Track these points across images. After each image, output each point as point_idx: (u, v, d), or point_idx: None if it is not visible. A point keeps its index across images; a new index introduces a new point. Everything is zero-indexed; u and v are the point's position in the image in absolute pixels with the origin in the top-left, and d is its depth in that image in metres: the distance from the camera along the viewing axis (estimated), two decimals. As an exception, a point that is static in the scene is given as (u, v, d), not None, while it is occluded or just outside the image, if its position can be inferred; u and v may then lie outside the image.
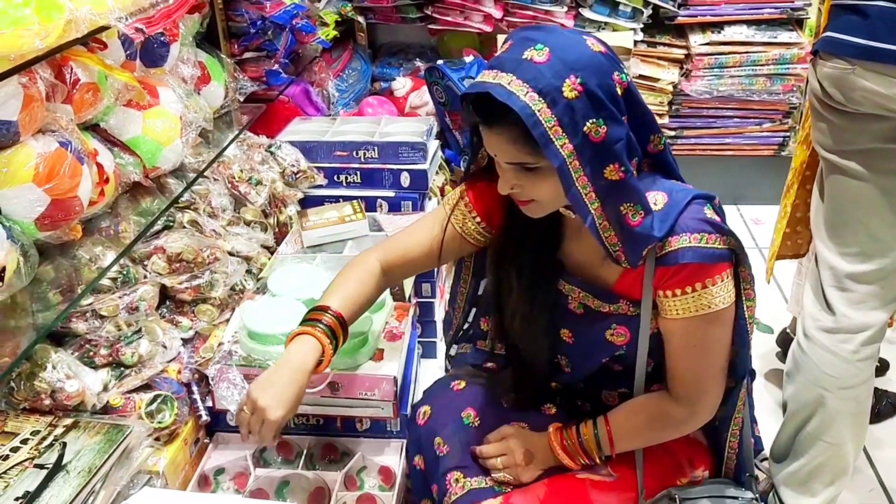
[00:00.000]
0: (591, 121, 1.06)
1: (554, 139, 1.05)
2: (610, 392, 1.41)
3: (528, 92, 1.04)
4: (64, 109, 1.42)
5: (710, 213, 1.19)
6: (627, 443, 1.30)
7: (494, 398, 1.40)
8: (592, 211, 1.11)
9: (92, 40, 1.48)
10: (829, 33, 1.42)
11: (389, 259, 1.38)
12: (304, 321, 1.29)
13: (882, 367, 2.27)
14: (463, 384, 1.43)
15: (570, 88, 1.05)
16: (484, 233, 1.36)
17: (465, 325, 1.58)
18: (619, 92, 1.10)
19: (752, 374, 1.39)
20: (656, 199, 1.18)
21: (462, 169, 1.36)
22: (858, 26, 1.35)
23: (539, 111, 1.04)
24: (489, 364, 1.50)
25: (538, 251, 1.30)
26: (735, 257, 1.20)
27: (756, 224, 3.22)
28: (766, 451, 1.76)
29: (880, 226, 1.47)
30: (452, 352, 1.61)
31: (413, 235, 1.39)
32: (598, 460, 1.31)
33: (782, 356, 2.29)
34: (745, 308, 1.25)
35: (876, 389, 2.11)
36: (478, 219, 1.35)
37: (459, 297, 1.56)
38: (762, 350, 2.39)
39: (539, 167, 1.11)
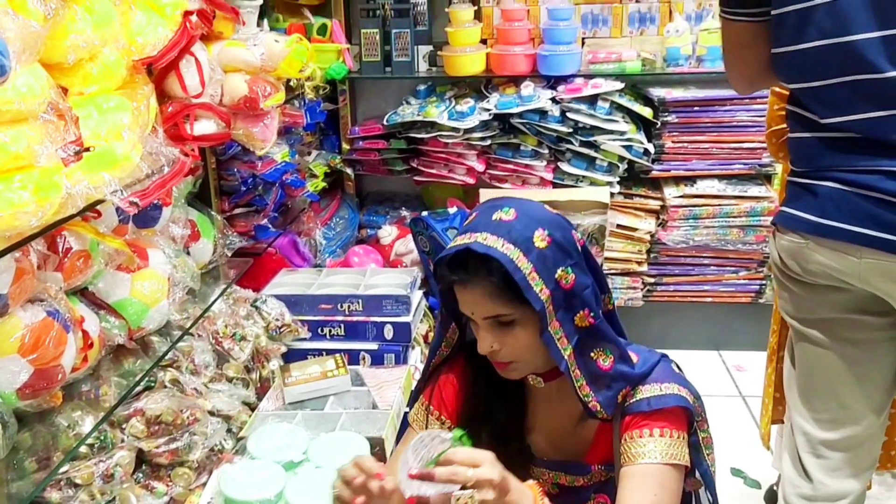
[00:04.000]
0: (561, 268, 1.13)
1: (532, 285, 1.11)
2: None
3: (504, 244, 1.12)
4: (54, 278, 1.45)
5: (678, 370, 1.26)
6: None
7: None
8: (566, 357, 1.15)
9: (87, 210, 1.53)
10: (784, 208, 1.49)
11: None
12: None
13: (872, 526, 2.23)
14: None
15: (540, 239, 1.13)
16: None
17: None
18: (579, 248, 1.18)
19: None
20: (631, 355, 1.22)
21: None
22: (810, 203, 1.40)
23: (516, 259, 1.11)
24: None
25: (504, 435, 1.28)
26: (691, 416, 1.23)
27: (738, 371, 3.24)
28: None
29: (848, 394, 1.50)
30: None
31: None
32: None
33: (770, 513, 2.25)
34: (704, 455, 1.27)
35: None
36: (448, 424, 1.32)
37: None
38: (750, 506, 2.35)
39: (514, 319, 1.15)
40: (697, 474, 1.28)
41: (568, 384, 1.19)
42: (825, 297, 1.47)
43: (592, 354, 1.17)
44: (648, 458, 1.17)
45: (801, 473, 1.58)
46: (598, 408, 1.18)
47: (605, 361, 1.17)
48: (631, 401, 1.20)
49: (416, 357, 2.44)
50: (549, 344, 1.14)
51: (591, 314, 1.16)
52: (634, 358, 1.22)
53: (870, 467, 1.57)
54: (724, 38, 1.56)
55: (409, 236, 3.05)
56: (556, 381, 1.23)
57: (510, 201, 1.19)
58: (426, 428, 1.33)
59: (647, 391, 1.20)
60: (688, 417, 1.21)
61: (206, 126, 1.84)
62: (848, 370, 1.49)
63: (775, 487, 2.29)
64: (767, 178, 3.19)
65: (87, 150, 1.33)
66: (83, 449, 1.53)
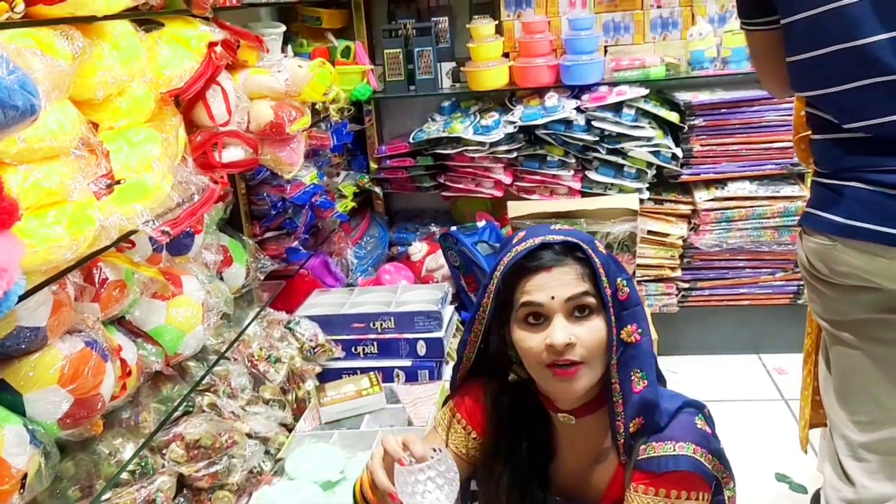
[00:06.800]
0: (620, 278, 1.15)
1: (603, 276, 1.14)
2: None
3: (575, 237, 1.17)
4: (91, 308, 1.48)
5: (700, 423, 1.18)
6: None
7: None
8: (611, 365, 1.15)
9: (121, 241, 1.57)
10: (810, 209, 1.47)
11: None
12: None
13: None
14: None
15: (600, 246, 1.17)
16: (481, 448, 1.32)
17: None
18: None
19: None
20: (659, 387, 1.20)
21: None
22: (836, 205, 1.39)
23: (591, 249, 1.16)
24: None
25: (522, 481, 1.26)
26: (717, 483, 1.17)
27: (780, 374, 3.18)
28: None
29: (885, 395, 1.46)
30: None
31: None
32: None
33: (818, 519, 2.20)
34: None
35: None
36: (473, 434, 1.31)
37: None
38: (796, 513, 2.31)
39: (593, 307, 1.14)
40: None
41: (591, 422, 1.18)
42: (855, 297, 1.45)
43: (632, 374, 1.15)
44: None
45: (842, 477, 1.55)
46: (621, 429, 1.17)
47: (639, 385, 1.16)
48: (642, 456, 1.15)
49: (450, 372, 2.44)
50: (609, 344, 1.14)
51: (639, 331, 1.15)
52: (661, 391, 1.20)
53: (913, 471, 1.53)
54: (749, 49, 1.59)
55: (440, 252, 3.06)
56: (585, 418, 1.20)
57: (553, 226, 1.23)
58: (448, 432, 1.32)
59: (660, 449, 1.14)
60: (704, 480, 1.14)
61: (234, 153, 1.88)
62: (882, 371, 1.46)
63: (822, 491, 2.24)
64: (800, 177, 3.14)
65: (119, 182, 1.37)
66: (125, 475, 1.56)
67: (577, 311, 1.14)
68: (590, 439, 1.22)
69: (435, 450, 1.09)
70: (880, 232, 1.32)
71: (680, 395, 1.21)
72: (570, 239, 1.16)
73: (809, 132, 1.60)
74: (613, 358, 1.14)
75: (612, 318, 1.14)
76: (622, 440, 1.16)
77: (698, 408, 1.20)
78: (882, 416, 1.48)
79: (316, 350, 2.26)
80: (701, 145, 3.08)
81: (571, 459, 1.26)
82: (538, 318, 1.15)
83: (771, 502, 2.33)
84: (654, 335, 2.78)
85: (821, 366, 1.64)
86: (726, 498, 1.19)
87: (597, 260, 1.14)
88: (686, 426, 1.16)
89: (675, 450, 1.13)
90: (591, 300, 1.14)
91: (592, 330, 1.14)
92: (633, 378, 1.15)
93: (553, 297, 1.14)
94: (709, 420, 1.20)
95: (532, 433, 1.26)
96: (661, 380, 1.25)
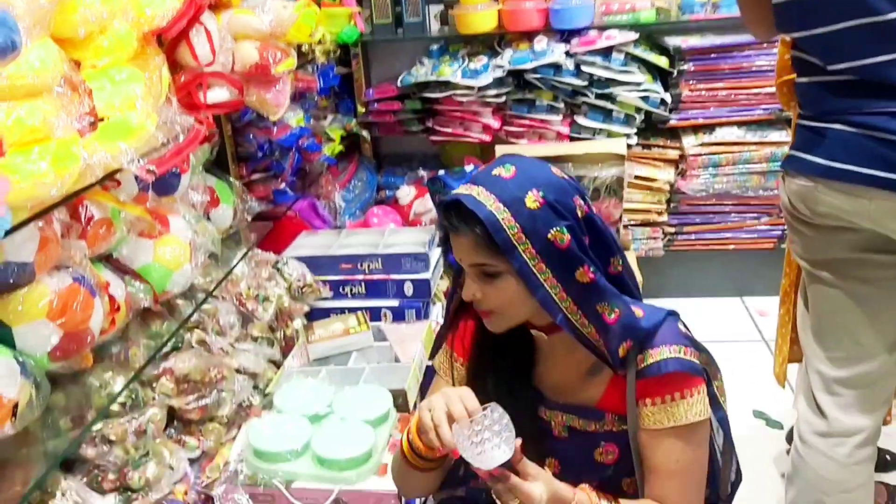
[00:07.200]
0: (554, 229, 1.15)
1: (517, 244, 1.14)
2: None
3: (494, 202, 1.15)
4: (78, 245, 1.51)
5: (683, 327, 1.26)
6: None
7: None
8: (564, 309, 1.17)
9: (106, 179, 1.58)
10: (793, 152, 1.50)
11: None
12: None
13: (893, 462, 2.24)
14: None
15: (532, 200, 1.15)
16: None
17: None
18: (580, 214, 1.18)
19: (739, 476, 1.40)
20: (634, 311, 1.24)
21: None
22: (819, 147, 1.42)
23: (503, 219, 1.14)
24: None
25: (511, 381, 1.32)
26: (707, 374, 1.25)
27: (762, 316, 3.25)
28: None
29: (861, 332, 1.51)
30: (445, 495, 1.51)
31: None
32: None
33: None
34: (720, 403, 1.30)
35: (887, 485, 2.09)
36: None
37: None
38: (774, 448, 2.38)
39: (499, 272, 1.18)
40: (714, 422, 1.31)
41: (569, 339, 1.21)
42: (835, 237, 1.48)
43: (598, 308, 1.19)
44: (671, 422, 1.22)
45: (815, 411, 1.61)
46: (606, 353, 1.21)
47: (611, 315, 1.20)
48: (642, 365, 1.22)
49: (437, 312, 2.49)
50: (544, 299, 1.17)
51: (591, 270, 1.17)
52: (640, 313, 1.24)
53: (884, 404, 1.59)
54: None
55: (428, 196, 3.08)
56: (558, 334, 1.25)
57: (516, 159, 1.21)
58: (451, 374, 1.38)
59: (657, 354, 1.21)
60: (701, 376, 1.23)
61: (219, 94, 1.88)
62: (859, 308, 1.50)
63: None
64: (788, 123, 3.15)
65: (102, 120, 1.38)
66: (115, 407, 1.61)
67: (483, 272, 1.19)
68: (571, 353, 1.26)
69: (487, 406, 1.13)
70: (862, 173, 1.35)
71: (658, 308, 1.26)
72: (465, 203, 1.15)
73: (792, 76, 1.61)
74: (565, 302, 1.17)
75: (549, 269, 1.16)
76: (612, 361, 1.21)
77: (676, 315, 1.27)
78: (857, 352, 1.53)
79: (304, 290, 2.29)
80: (690, 90, 3.08)
81: (560, 373, 1.31)
82: None
83: (748, 438, 2.40)
84: (638, 277, 2.83)
85: (799, 305, 1.68)
86: (716, 388, 1.28)
87: (506, 232, 1.13)
88: (673, 331, 1.23)
89: (670, 353, 1.21)
90: (492, 268, 1.18)
91: (499, 289, 1.19)
92: (601, 311, 1.19)
93: (461, 260, 1.22)
94: (685, 325, 1.28)
95: (514, 349, 1.30)
96: (636, 296, 1.29)
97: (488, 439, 1.11)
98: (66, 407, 1.47)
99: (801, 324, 1.68)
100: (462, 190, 1.19)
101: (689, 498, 1.27)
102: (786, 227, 1.64)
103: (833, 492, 1.57)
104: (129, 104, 1.49)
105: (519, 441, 1.12)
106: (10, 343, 1.34)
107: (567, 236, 1.15)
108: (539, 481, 1.14)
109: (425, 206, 3.13)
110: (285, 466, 1.70)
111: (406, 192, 3.22)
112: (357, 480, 1.68)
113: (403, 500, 1.69)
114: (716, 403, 1.27)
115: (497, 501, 1.17)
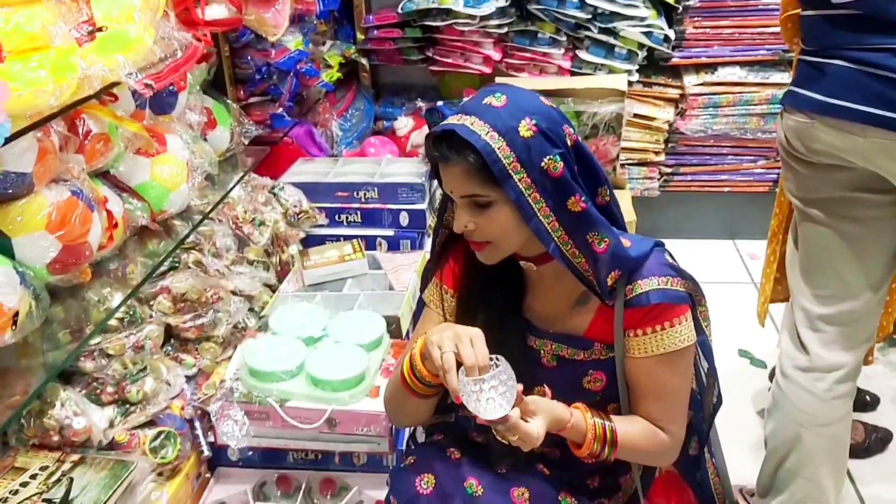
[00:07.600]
0: (547, 157, 1.15)
1: (512, 174, 1.13)
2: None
3: (488, 132, 1.13)
4: (76, 159, 1.50)
5: (669, 258, 1.28)
6: (624, 447, 1.28)
7: (490, 465, 1.33)
8: (556, 238, 1.18)
9: (104, 93, 1.56)
10: (792, 87, 1.50)
11: None
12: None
13: (872, 402, 2.30)
14: (458, 454, 1.34)
15: (525, 128, 1.14)
16: None
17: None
18: (569, 143, 1.18)
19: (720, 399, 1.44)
20: (623, 241, 1.25)
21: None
22: (818, 82, 1.42)
23: (499, 149, 1.13)
24: (475, 436, 1.41)
25: (501, 311, 1.33)
26: (692, 300, 1.28)
27: (752, 259, 3.27)
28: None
29: (848, 270, 1.53)
30: (435, 420, 1.50)
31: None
32: (605, 453, 1.27)
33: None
34: (703, 327, 1.33)
35: (865, 424, 2.15)
36: (457, 296, 1.37)
37: None
38: (757, 386, 2.43)
39: (491, 201, 1.17)
40: (698, 347, 1.34)
41: (561, 268, 1.23)
42: (828, 175, 1.49)
43: (588, 237, 1.20)
44: (659, 350, 1.25)
45: (798, 347, 1.64)
46: (595, 282, 1.23)
47: (601, 244, 1.20)
48: (630, 296, 1.24)
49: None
50: (537, 230, 1.17)
51: (583, 199, 1.18)
52: (627, 243, 1.25)
53: (866, 341, 1.62)
54: None
55: (425, 127, 3.06)
56: (548, 264, 1.26)
57: (505, 88, 1.20)
58: (442, 306, 1.39)
59: (645, 285, 1.23)
60: (686, 303, 1.26)
61: (217, 11, 1.84)
62: (848, 247, 1.52)
63: (779, 366, 2.37)
64: (790, 65, 3.12)
65: (101, 29, 1.35)
66: (113, 322, 1.62)
67: (476, 203, 1.18)
68: (561, 283, 1.28)
69: (493, 358, 1.14)
70: (857, 110, 1.35)
71: (645, 239, 1.28)
72: (458, 133, 1.13)
73: (797, 10, 1.59)
74: (557, 231, 1.18)
75: (543, 199, 1.16)
76: (601, 291, 1.23)
77: (663, 246, 1.29)
78: (843, 290, 1.56)
79: (300, 216, 2.29)
80: (694, 27, 3.04)
81: (549, 303, 1.33)
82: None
83: (732, 376, 2.45)
84: (632, 216, 2.84)
85: (789, 244, 1.70)
86: (699, 313, 1.32)
87: (502, 161, 1.12)
88: (660, 262, 1.26)
89: (657, 284, 1.24)
90: (484, 198, 1.17)
91: (491, 219, 1.19)
92: (590, 241, 1.20)
93: (452, 191, 1.20)
94: (672, 255, 1.31)
95: (504, 280, 1.31)
96: (622, 227, 1.31)
97: (492, 396, 1.13)
98: (64, 320, 1.48)
99: (789, 262, 1.70)
100: (453, 120, 1.17)
101: (675, 416, 1.31)
102: (781, 166, 1.65)
103: (811, 425, 1.61)
104: (126, 15, 1.46)
105: (520, 387, 1.13)
106: (9, 254, 1.34)
107: (560, 164, 1.15)
108: (538, 416, 1.17)
109: (423, 137, 3.10)
110: (280, 386, 1.73)
111: (404, 124, 3.19)
112: (350, 401, 1.71)
113: (394, 429, 1.73)
114: (698, 327, 1.30)
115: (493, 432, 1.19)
